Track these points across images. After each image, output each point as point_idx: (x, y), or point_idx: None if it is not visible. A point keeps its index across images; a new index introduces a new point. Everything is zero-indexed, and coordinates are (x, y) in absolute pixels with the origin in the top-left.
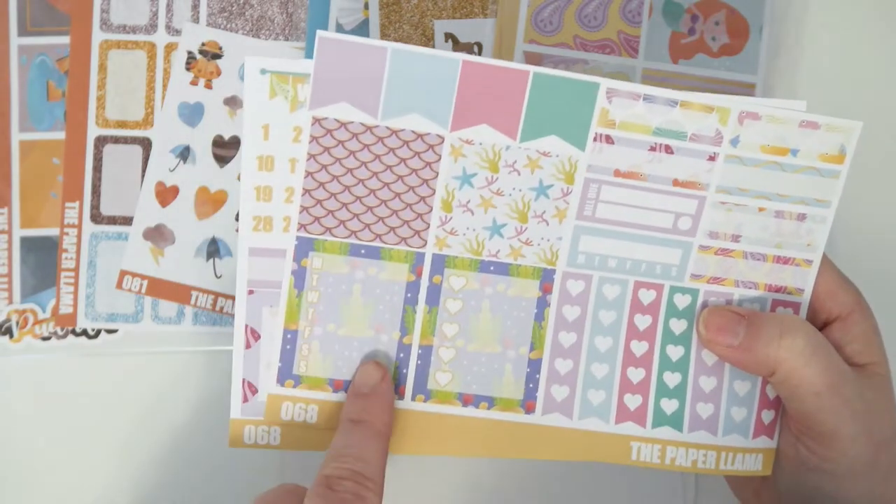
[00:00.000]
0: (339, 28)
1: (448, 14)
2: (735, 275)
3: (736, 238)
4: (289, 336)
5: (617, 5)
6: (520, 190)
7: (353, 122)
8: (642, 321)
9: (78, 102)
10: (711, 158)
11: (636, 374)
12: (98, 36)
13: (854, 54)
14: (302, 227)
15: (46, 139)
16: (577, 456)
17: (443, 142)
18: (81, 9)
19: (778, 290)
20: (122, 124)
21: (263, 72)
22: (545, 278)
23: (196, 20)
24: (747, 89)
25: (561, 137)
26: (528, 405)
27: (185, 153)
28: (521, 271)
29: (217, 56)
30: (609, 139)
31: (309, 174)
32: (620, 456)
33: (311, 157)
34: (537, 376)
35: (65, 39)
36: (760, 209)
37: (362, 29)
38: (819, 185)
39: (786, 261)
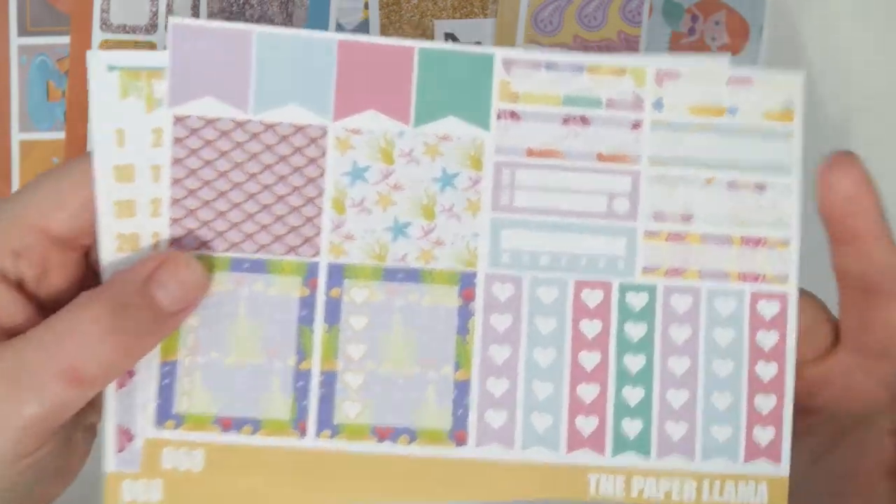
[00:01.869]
0: (340, 28)
1: (448, 14)
2: (697, 264)
3: (687, 218)
4: (167, 369)
5: (617, 5)
6: (421, 182)
7: (220, 119)
8: (590, 328)
9: (78, 102)
10: (636, 126)
11: (588, 392)
12: (98, 36)
13: (854, 54)
14: (174, 241)
15: (46, 139)
16: (522, 494)
17: (326, 134)
18: (81, 9)
19: (755, 279)
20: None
21: (111, 68)
22: (465, 283)
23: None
24: None
25: (460, 118)
26: (458, 436)
27: None
28: (435, 276)
29: None
30: (515, 115)
31: (176, 181)
32: (576, 491)
33: (177, 161)
34: (466, 400)
35: (65, 39)
36: (708, 180)
37: (362, 29)
38: (771, 148)
39: (756, 242)
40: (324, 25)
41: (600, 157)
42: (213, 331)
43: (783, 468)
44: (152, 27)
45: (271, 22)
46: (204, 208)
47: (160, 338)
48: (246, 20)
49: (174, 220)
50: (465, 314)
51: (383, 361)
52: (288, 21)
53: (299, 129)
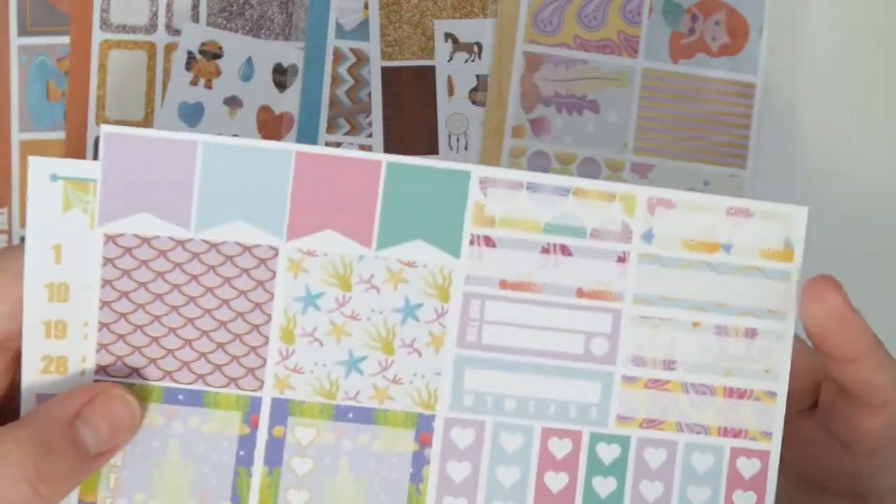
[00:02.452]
0: (340, 28)
1: (448, 14)
2: (676, 415)
3: (669, 364)
4: None
5: (617, 5)
6: (381, 312)
7: (158, 237)
8: (555, 481)
9: (78, 102)
10: (621, 259)
11: None
12: (98, 36)
13: (854, 54)
14: (101, 369)
15: (46, 139)
16: None
17: (277, 255)
18: (81, 9)
19: (736, 434)
20: (122, 124)
21: (55, 178)
22: (422, 426)
23: (196, 20)
24: (747, 89)
25: (428, 242)
26: None
27: None
28: (389, 418)
29: (217, 56)
30: (489, 241)
31: (105, 304)
32: None
33: (107, 283)
34: None
35: (65, 39)
36: (695, 324)
37: (362, 29)
38: (767, 290)
39: (741, 394)
40: (323, 25)
41: (580, 293)
42: (138, 471)
43: None
44: (152, 27)
45: (271, 22)
46: (136, 333)
47: (80, 481)
48: (246, 20)
49: (101, 346)
50: (419, 461)
51: None
52: (288, 21)
53: (247, 248)
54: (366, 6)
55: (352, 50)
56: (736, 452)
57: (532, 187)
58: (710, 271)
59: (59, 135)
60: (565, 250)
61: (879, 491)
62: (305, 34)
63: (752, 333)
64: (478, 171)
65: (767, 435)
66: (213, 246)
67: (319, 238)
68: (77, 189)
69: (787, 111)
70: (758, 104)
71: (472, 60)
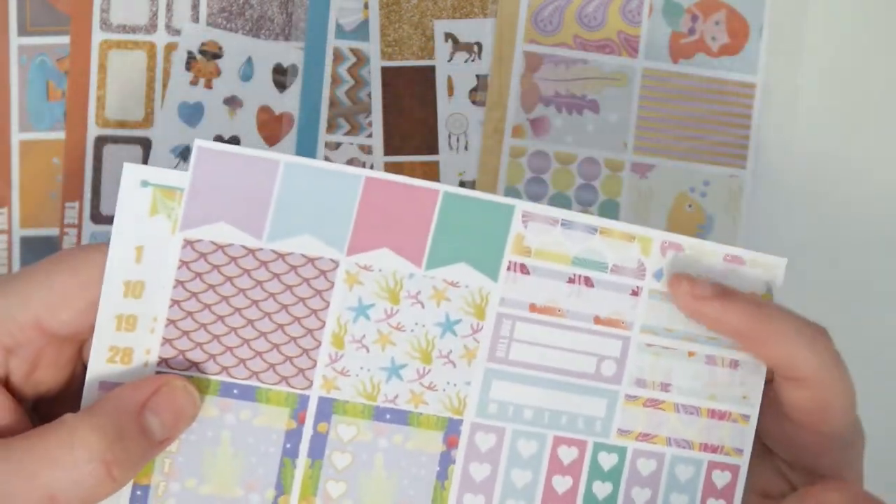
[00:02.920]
0: (340, 28)
1: (448, 14)
2: (666, 431)
3: (665, 387)
4: (139, 493)
5: (617, 5)
6: (423, 325)
7: (232, 245)
8: (561, 484)
9: (78, 102)
10: (634, 293)
11: None
12: (98, 36)
13: (854, 54)
14: (163, 361)
15: (46, 139)
16: None
17: (337, 267)
18: (81, 9)
19: (714, 450)
20: (122, 124)
21: (145, 184)
22: (450, 430)
23: (196, 20)
24: (747, 89)
25: (471, 265)
26: None
27: (185, 153)
28: (422, 421)
29: (217, 56)
30: (524, 269)
31: (175, 303)
32: None
33: (179, 283)
34: None
35: (65, 39)
36: (690, 354)
37: (362, 29)
38: None
39: (721, 415)
40: (323, 25)
41: (597, 320)
42: (191, 457)
43: None
44: (152, 27)
45: (271, 22)
46: (199, 331)
47: (145, 464)
48: (246, 20)
49: (166, 340)
50: (446, 461)
51: (361, 502)
52: (288, 21)
53: (310, 260)
54: (366, 6)
55: (352, 50)
56: (712, 465)
57: (566, 224)
58: None
59: (59, 135)
60: (588, 282)
61: (822, 468)
62: (305, 34)
63: (735, 364)
64: (522, 205)
65: (739, 451)
66: (281, 256)
67: (376, 255)
68: (165, 196)
69: (787, 111)
70: (758, 104)
71: (472, 60)
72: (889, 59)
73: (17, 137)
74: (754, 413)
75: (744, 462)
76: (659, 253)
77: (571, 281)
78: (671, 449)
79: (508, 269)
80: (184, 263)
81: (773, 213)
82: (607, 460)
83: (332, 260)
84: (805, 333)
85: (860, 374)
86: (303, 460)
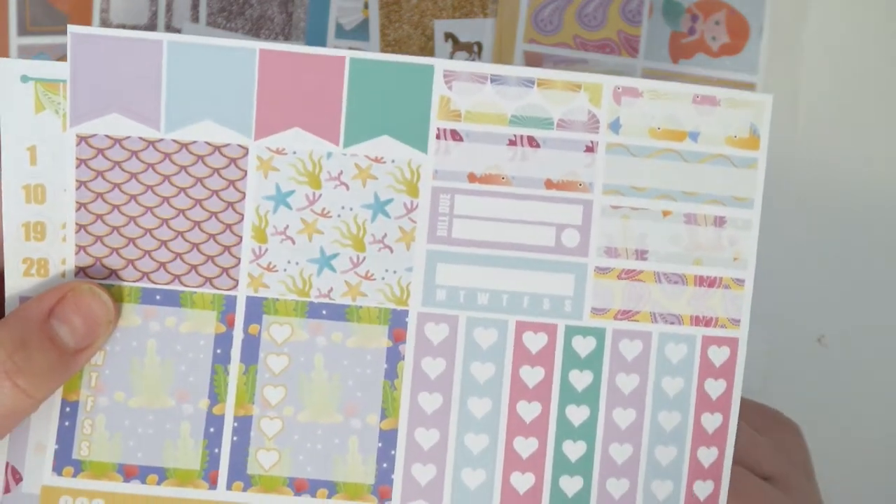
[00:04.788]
0: (340, 28)
1: (448, 14)
2: (649, 305)
3: (641, 254)
4: (67, 409)
5: (617, 5)
6: (351, 209)
7: (129, 138)
8: (531, 375)
9: None
10: (589, 149)
11: (526, 446)
12: None
13: (854, 54)
14: (80, 270)
15: None
16: None
17: (247, 153)
18: (81, 8)
19: (707, 323)
20: None
21: (25, 79)
22: (395, 322)
23: (196, 20)
24: (747, 89)
25: (395, 137)
26: (381, 492)
27: None
28: (362, 315)
29: None
30: (456, 135)
31: (81, 206)
32: None
33: (81, 184)
34: (392, 453)
35: (65, 39)
36: (665, 213)
37: (362, 29)
38: (734, 177)
39: (711, 282)
40: (323, 25)
41: (549, 185)
42: (118, 369)
43: None
44: (152, 27)
45: (271, 22)
46: (112, 234)
47: (64, 379)
48: (246, 20)
49: (80, 248)
50: (394, 357)
51: (303, 407)
52: (288, 21)
53: (216, 147)
54: (366, 6)
55: (352, 50)
56: (707, 341)
57: (496, 80)
58: (678, 160)
59: None
60: (532, 142)
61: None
62: (305, 34)
63: (720, 221)
64: (442, 64)
65: (736, 322)
66: (184, 146)
67: (287, 136)
68: (48, 90)
69: (788, 111)
70: None
71: (472, 60)
72: (889, 59)
73: None
74: (749, 276)
75: (742, 334)
76: (612, 100)
77: (512, 143)
78: (657, 326)
79: (438, 136)
80: (81, 161)
81: (773, 212)
82: (583, 345)
83: (239, 146)
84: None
85: (862, 376)
86: (236, 366)
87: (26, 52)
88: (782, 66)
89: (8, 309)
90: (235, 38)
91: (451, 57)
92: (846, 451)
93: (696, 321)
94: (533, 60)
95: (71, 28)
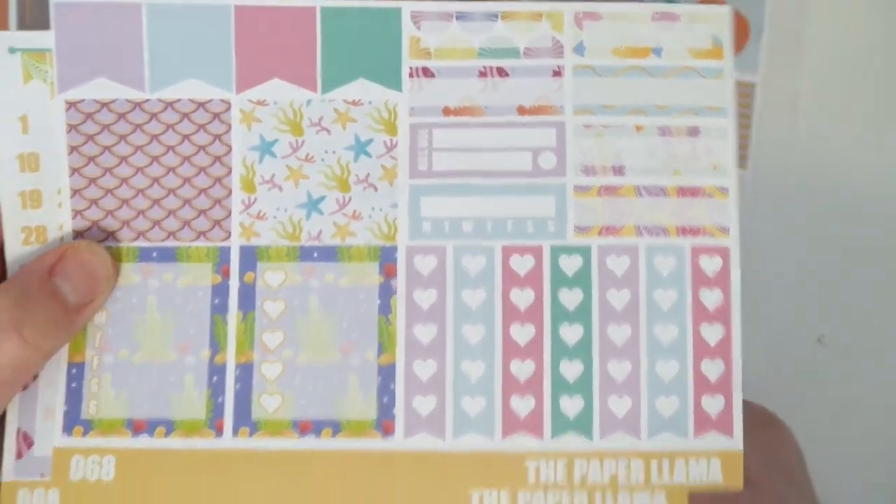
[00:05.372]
0: None
1: None
2: (633, 219)
3: (619, 170)
4: (74, 371)
5: None
6: (333, 152)
7: (116, 100)
8: (522, 298)
9: None
10: (557, 73)
11: (523, 369)
12: None
13: (854, 54)
14: (78, 234)
15: None
16: (456, 487)
17: (230, 107)
18: None
19: (695, 232)
20: None
21: (13, 50)
22: (385, 258)
23: None
24: (747, 89)
25: (370, 79)
26: (384, 426)
27: None
28: (353, 254)
29: None
30: (428, 72)
31: (74, 171)
32: (514, 480)
33: (73, 149)
34: (392, 386)
35: None
36: (638, 128)
37: None
38: (703, 88)
39: (693, 192)
40: None
41: (521, 111)
42: (120, 328)
43: (736, 441)
44: None
45: None
46: (107, 197)
47: (69, 334)
48: None
49: (76, 212)
50: (386, 292)
51: (302, 349)
52: None
53: (200, 104)
54: None
55: None
56: (697, 251)
57: (461, 16)
58: (644, 76)
59: None
60: (501, 72)
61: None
62: None
63: (694, 132)
64: (408, 6)
65: (724, 230)
66: (169, 104)
67: (267, 87)
68: (35, 60)
69: (787, 111)
70: (758, 104)
71: None
72: (889, 60)
73: None
74: (732, 183)
75: (733, 242)
76: (574, 25)
77: (483, 74)
78: (643, 239)
79: (410, 75)
80: (71, 127)
81: (773, 212)
82: (570, 264)
83: (222, 101)
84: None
85: (862, 376)
86: (233, 314)
87: None
88: (782, 66)
89: (9, 275)
90: None
91: None
92: (846, 451)
93: (683, 231)
94: None
95: None
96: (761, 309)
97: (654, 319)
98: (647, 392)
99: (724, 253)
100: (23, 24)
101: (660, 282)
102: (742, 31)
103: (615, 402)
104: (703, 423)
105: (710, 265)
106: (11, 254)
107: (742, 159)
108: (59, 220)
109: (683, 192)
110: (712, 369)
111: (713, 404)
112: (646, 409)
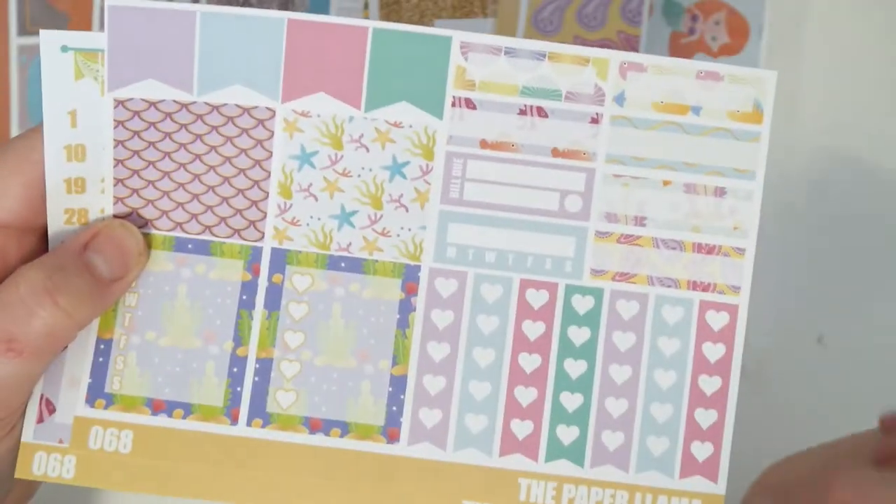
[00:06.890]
0: None
1: (448, 14)
2: (647, 269)
3: (640, 221)
4: (102, 347)
5: (617, 5)
6: (370, 169)
7: (164, 101)
8: (533, 329)
9: None
10: (594, 121)
11: (526, 395)
12: None
13: (854, 54)
14: (118, 219)
15: None
16: (451, 495)
17: (274, 115)
18: (80, 8)
19: (706, 288)
20: None
21: (65, 49)
22: (408, 276)
23: None
24: None
25: (413, 104)
26: (390, 433)
27: None
28: (378, 268)
29: None
30: (470, 103)
31: (119, 162)
32: (505, 496)
33: (119, 143)
34: (402, 397)
35: None
36: (665, 182)
37: None
38: (735, 150)
39: (709, 249)
40: None
41: (555, 153)
42: (150, 311)
43: (719, 486)
44: None
45: None
46: (148, 188)
47: (101, 307)
48: None
49: (118, 199)
50: (406, 308)
51: (320, 352)
52: None
53: (246, 109)
54: (366, 6)
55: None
56: (705, 305)
57: (510, 52)
58: (679, 132)
59: None
60: (541, 112)
61: None
62: None
63: (720, 192)
64: (459, 35)
65: (736, 289)
66: (215, 108)
67: (312, 100)
68: (87, 59)
69: (787, 111)
70: None
71: None
72: (889, 59)
73: None
74: (750, 245)
75: (743, 301)
76: (618, 75)
77: (523, 112)
78: (655, 289)
79: (453, 104)
80: (119, 122)
81: (773, 212)
82: (582, 303)
83: (267, 108)
84: None
85: (862, 376)
86: (259, 311)
87: (26, 52)
88: (782, 66)
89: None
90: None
91: None
92: None
93: (694, 286)
94: None
95: (108, 1)
96: (761, 309)
97: (655, 364)
98: (639, 430)
99: (732, 311)
100: (23, 25)
101: (665, 330)
102: (742, 31)
103: (608, 436)
104: (690, 466)
105: (717, 320)
106: (53, 231)
107: None
108: (101, 204)
109: (700, 248)
110: (705, 418)
111: (702, 450)
112: (636, 446)
